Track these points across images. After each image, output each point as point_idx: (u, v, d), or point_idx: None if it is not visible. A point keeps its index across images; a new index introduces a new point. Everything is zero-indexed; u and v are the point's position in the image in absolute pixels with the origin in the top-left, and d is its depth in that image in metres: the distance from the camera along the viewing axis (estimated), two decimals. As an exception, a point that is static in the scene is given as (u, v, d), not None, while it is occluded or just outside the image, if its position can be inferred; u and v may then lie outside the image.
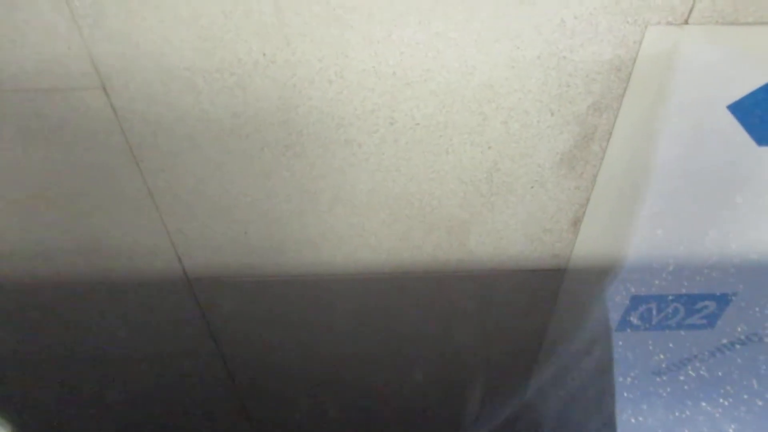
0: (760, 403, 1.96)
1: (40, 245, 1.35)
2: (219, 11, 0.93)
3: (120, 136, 1.13)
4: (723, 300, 1.57)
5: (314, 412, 2.01)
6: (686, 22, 0.95)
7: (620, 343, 1.68)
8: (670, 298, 1.53)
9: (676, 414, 1.95)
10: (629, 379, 1.82)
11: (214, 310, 1.55)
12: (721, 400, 1.96)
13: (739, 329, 1.86)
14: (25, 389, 1.83)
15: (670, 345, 1.76)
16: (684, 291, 1.52)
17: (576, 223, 1.30)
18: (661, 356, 1.80)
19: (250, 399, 1.91)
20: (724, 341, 1.88)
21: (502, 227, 1.30)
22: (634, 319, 1.59)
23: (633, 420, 1.92)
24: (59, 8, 0.93)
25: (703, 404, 1.96)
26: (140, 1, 0.92)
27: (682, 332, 1.68)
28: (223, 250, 1.37)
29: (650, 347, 1.73)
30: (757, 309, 1.88)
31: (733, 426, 2.01)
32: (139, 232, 1.32)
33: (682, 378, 1.88)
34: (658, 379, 1.85)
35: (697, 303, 1.56)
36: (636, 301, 1.53)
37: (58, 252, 1.37)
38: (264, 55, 0.99)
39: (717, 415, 2.00)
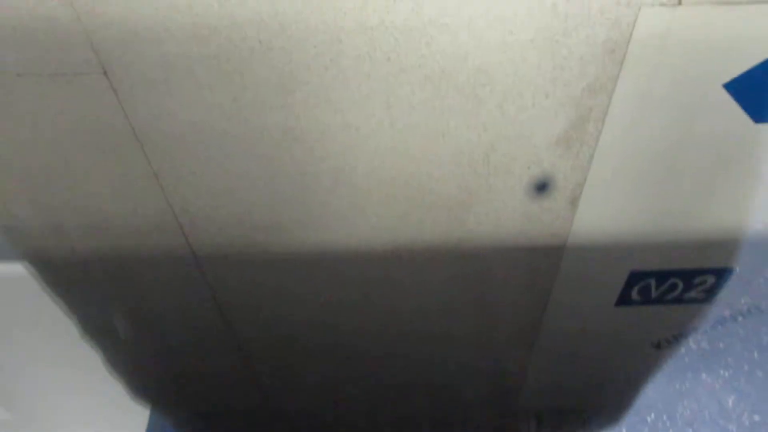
0: (760, 374, 2.00)
1: (53, 223, 1.39)
2: (213, 0, 0.94)
3: (123, 120, 1.15)
4: (723, 273, 1.58)
5: (321, 381, 2.07)
6: (680, 3, 0.94)
7: (620, 318, 1.70)
8: (669, 272, 1.54)
9: (676, 386, 1.99)
10: (628, 352, 1.85)
11: (222, 286, 1.59)
12: (721, 372, 2.00)
13: (742, 301, 1.88)
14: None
15: (671, 318, 1.78)
16: (683, 265, 1.53)
17: (574, 201, 1.31)
18: (662, 329, 1.82)
19: (260, 370, 1.97)
20: (726, 313, 1.90)
21: (501, 207, 1.32)
22: (633, 294, 1.62)
23: (632, 392, 1.96)
24: (58, -2, 0.95)
25: (704, 376, 2.00)
26: (136, -9, 0.94)
27: (683, 306, 1.70)
28: (228, 229, 1.41)
29: (650, 321, 1.75)
30: (761, 281, 1.89)
31: (732, 397, 2.05)
32: (145, 212, 1.36)
33: (682, 350, 1.91)
34: (658, 351, 1.88)
35: (696, 277, 1.58)
36: (635, 276, 1.55)
37: (69, 231, 1.41)
38: (260, 42, 1.00)
39: (717, 386, 2.04)
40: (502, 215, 1.34)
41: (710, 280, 1.59)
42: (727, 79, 1.07)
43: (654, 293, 1.61)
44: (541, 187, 1.21)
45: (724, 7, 0.95)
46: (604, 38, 1.00)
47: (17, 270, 1.50)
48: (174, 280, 1.57)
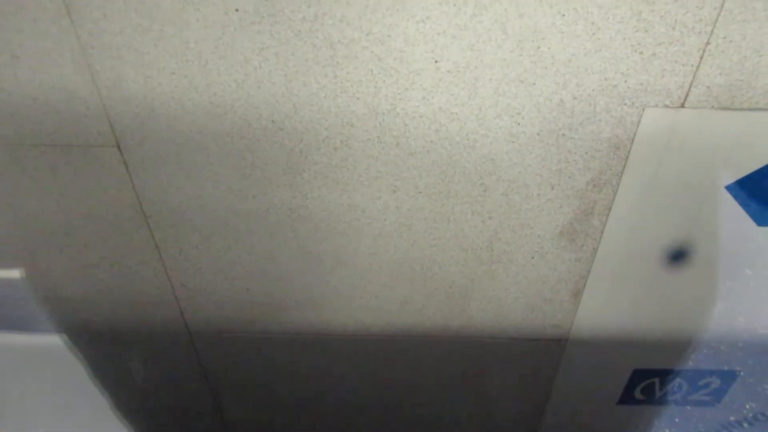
0: (768, 485, 1.90)
1: (50, 292, 1.37)
2: (231, 80, 0.97)
3: (131, 192, 1.16)
4: (729, 376, 1.54)
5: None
6: (683, 106, 0.97)
7: (623, 416, 1.64)
8: (674, 372, 1.51)
9: (681, 493, 1.89)
10: (632, 455, 1.78)
11: (213, 363, 1.55)
12: (728, 481, 1.90)
13: (747, 407, 1.82)
14: None
15: (676, 420, 1.72)
16: (688, 366, 1.50)
17: (577, 294, 1.30)
18: (666, 431, 1.76)
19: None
20: (732, 419, 1.83)
21: (503, 295, 1.31)
22: (636, 393, 1.57)
23: (636, 498, 1.86)
24: (81, 71, 0.98)
25: (710, 484, 1.90)
26: (158, 69, 0.97)
27: (688, 407, 1.65)
28: (225, 306, 1.39)
29: (654, 422, 1.70)
30: (765, 386, 1.84)
31: (740, 508, 1.94)
32: (143, 285, 1.34)
33: (687, 455, 1.83)
34: (662, 455, 1.80)
35: (701, 379, 1.54)
36: (639, 374, 1.51)
37: (65, 300, 1.39)
38: (273, 121, 1.02)
39: (724, 496, 1.94)
40: (504, 304, 1.32)
41: (715, 382, 1.55)
42: (730, 181, 1.09)
43: (658, 393, 1.56)
44: (678, 255, 1.19)
45: (727, 111, 0.98)
46: (608, 135, 1.02)
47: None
48: (166, 355, 1.53)
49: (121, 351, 1.50)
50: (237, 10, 0.90)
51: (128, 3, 0.90)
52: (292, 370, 1.56)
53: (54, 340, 1.50)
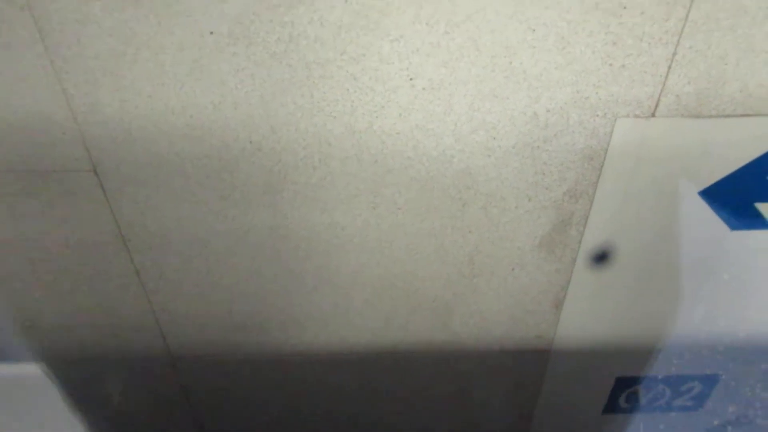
0: (754, 488, 1.92)
1: (27, 320, 1.35)
2: (208, 102, 0.97)
3: (109, 216, 1.15)
4: (710, 380, 1.56)
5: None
6: (653, 115, 0.99)
7: (608, 426, 1.65)
8: (657, 379, 1.52)
9: (669, 499, 1.90)
10: (619, 463, 1.78)
11: (196, 386, 1.53)
12: (714, 485, 1.92)
13: (730, 410, 1.84)
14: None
15: (661, 427, 1.73)
16: (670, 371, 1.51)
17: (558, 304, 1.31)
18: (652, 439, 1.77)
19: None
20: (716, 422, 1.85)
21: (485, 308, 1.32)
22: (621, 402, 1.58)
23: (625, 506, 1.86)
24: (56, 96, 0.97)
25: (697, 489, 1.91)
26: (134, 92, 0.97)
27: (672, 413, 1.66)
28: (208, 329, 1.37)
29: (640, 430, 1.71)
30: (747, 389, 1.86)
31: None
32: (124, 309, 1.33)
33: (674, 461, 1.85)
34: (649, 462, 1.81)
35: (683, 384, 1.55)
36: (622, 382, 1.52)
37: (44, 327, 1.36)
38: (250, 142, 1.03)
39: (710, 500, 1.95)
40: (487, 317, 1.33)
41: (697, 387, 1.56)
42: (702, 187, 1.11)
43: (642, 400, 1.57)
44: (601, 257, 1.21)
45: (695, 119, 1.00)
46: (582, 146, 1.04)
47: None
48: (148, 380, 1.51)
49: (102, 377, 1.48)
50: (212, 33, 0.90)
51: (102, 27, 0.90)
52: (277, 391, 1.55)
53: (32, 369, 1.48)
